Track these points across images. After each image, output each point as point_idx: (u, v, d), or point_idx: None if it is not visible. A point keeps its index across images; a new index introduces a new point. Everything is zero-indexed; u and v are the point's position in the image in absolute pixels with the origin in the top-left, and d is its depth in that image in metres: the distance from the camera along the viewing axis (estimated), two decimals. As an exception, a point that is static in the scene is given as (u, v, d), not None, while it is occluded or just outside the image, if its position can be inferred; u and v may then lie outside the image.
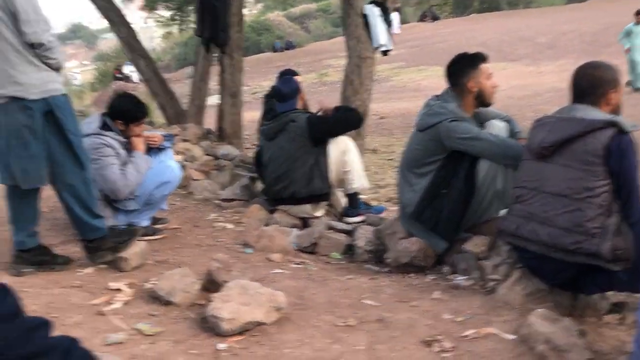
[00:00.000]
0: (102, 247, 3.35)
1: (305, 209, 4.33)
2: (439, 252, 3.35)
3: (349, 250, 3.84)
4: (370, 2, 7.30)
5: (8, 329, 0.92)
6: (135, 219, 4.05)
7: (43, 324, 1.01)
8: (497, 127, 3.43)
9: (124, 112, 3.89)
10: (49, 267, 3.30)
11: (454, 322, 2.60)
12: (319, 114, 4.48)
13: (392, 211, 4.94)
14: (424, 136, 3.37)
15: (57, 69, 3.17)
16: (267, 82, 19.18)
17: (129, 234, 3.49)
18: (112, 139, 3.82)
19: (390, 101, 15.70)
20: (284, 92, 4.46)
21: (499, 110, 3.76)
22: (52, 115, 3.10)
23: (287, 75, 4.87)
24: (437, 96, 3.51)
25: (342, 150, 4.34)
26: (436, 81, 15.91)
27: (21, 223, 3.26)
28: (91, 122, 3.93)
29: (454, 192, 3.25)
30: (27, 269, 3.22)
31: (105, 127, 3.86)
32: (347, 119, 4.46)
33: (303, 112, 4.41)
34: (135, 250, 3.44)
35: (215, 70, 9.42)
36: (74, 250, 3.51)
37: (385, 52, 6.61)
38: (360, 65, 7.32)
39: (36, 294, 2.87)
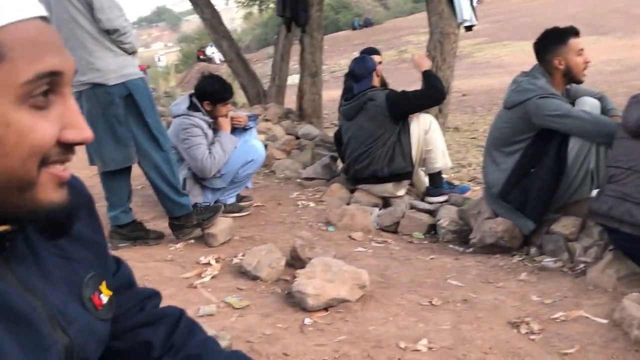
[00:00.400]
0: (187, 224, 3.49)
1: (387, 188, 4.31)
2: (526, 233, 3.26)
3: (432, 230, 3.82)
4: (453, -24, 7.11)
5: (125, 299, 0.99)
6: (221, 197, 4.20)
7: (154, 295, 1.07)
8: (589, 104, 3.27)
9: (211, 93, 3.99)
10: (143, 242, 3.47)
11: (542, 304, 2.54)
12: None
13: (475, 191, 4.86)
14: (512, 114, 3.27)
15: (132, 52, 3.28)
16: (345, 61, 19.13)
17: (212, 210, 3.59)
18: (199, 119, 3.95)
19: (472, 78, 15.29)
20: (357, 73, 4.42)
21: (591, 87, 3.59)
22: (131, 99, 3.23)
23: (363, 54, 4.84)
24: (525, 72, 3.39)
25: (425, 129, 4.28)
26: (521, 57, 15.37)
27: (115, 200, 3.44)
28: (180, 104, 4.08)
29: (544, 171, 3.15)
30: (123, 244, 3.40)
31: (193, 107, 3.99)
32: (428, 94, 4.32)
33: (381, 90, 4.35)
34: (222, 226, 3.56)
35: (295, 50, 9.51)
36: (165, 225, 3.66)
37: (468, 28, 6.42)
38: (442, 41, 7.17)
39: (132, 268, 3.03)
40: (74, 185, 0.91)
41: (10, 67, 0.63)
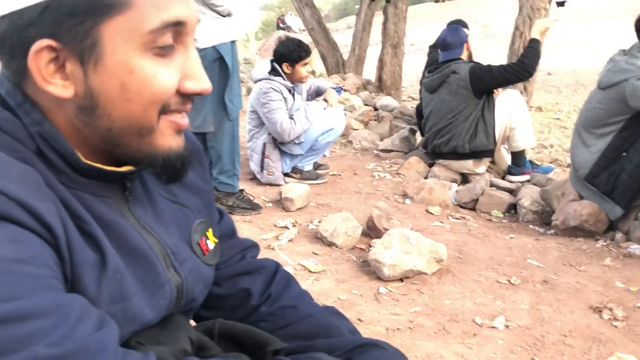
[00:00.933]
0: (222, 201, 3.41)
1: (467, 165, 4.22)
2: (612, 218, 3.13)
3: (512, 209, 3.72)
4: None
5: (226, 247, 1.02)
6: (299, 164, 4.24)
7: (254, 245, 1.11)
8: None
9: (288, 53, 4.01)
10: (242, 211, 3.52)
11: (627, 292, 2.45)
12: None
13: (558, 173, 4.70)
14: (607, 94, 3.11)
15: (226, 15, 3.23)
16: (425, 34, 18.73)
17: (250, 206, 3.55)
18: (280, 84, 3.98)
19: (559, 56, 14.65)
20: (449, 41, 4.26)
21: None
22: (221, 62, 3.23)
23: (457, 25, 4.69)
24: (624, 51, 3.21)
25: (510, 105, 4.13)
26: (613, 36, 14.55)
27: None
28: (261, 68, 4.12)
29: (636, 156, 3.00)
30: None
31: (274, 72, 4.02)
32: (515, 70, 4.10)
33: (465, 62, 4.20)
34: (299, 192, 3.61)
35: (376, 20, 9.39)
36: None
37: (560, 4, 6.14)
38: (532, 16, 6.92)
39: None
40: (186, 135, 0.94)
41: (136, 14, 0.65)
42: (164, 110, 0.70)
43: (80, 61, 0.66)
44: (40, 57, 0.65)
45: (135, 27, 0.65)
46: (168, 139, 0.73)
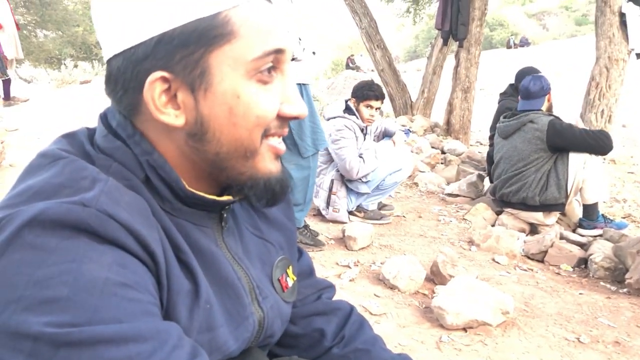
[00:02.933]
0: None
1: (536, 215, 4.11)
2: (693, 281, 2.96)
3: (582, 264, 3.58)
4: (630, 0, 6.69)
5: (304, 285, 1.03)
6: (363, 202, 4.24)
7: (331, 286, 1.11)
8: None
9: (357, 89, 4.10)
10: (306, 246, 3.55)
11: None
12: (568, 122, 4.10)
13: (631, 229, 4.51)
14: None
15: (292, 59, 3.32)
16: (496, 79, 18.56)
17: (313, 242, 3.56)
18: (353, 122, 4.03)
19: (635, 109, 14.20)
20: (532, 90, 4.15)
21: None
22: (303, 98, 3.32)
23: (534, 74, 4.60)
24: None
25: (585, 158, 4.00)
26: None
27: None
28: (335, 107, 4.19)
29: None
30: None
31: (348, 111, 4.08)
32: (595, 140, 3.93)
33: (545, 115, 4.10)
34: (363, 231, 3.60)
35: (445, 63, 9.39)
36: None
37: (640, 55, 5.99)
38: (609, 67, 6.78)
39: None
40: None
41: (241, 44, 0.69)
42: (265, 133, 0.74)
43: (191, 90, 0.70)
44: (154, 89, 0.69)
45: (241, 55, 0.69)
46: (268, 163, 0.77)
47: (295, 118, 0.76)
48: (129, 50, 0.69)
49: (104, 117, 0.77)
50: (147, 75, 0.69)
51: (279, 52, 0.72)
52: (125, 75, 0.70)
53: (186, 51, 0.68)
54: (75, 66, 15.57)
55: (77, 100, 8.53)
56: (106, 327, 0.54)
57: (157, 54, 0.68)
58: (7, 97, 8.85)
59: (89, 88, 10.87)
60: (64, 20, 19.77)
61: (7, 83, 8.77)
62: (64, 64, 15.23)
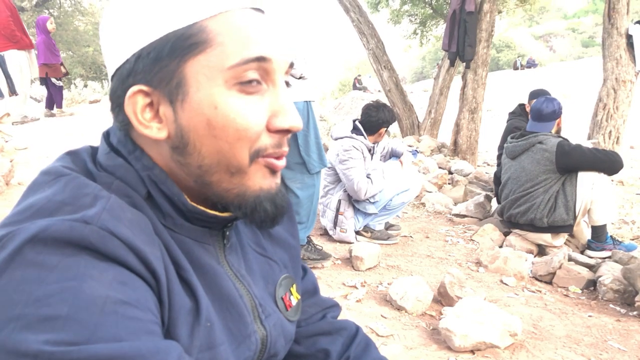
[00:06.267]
0: None
1: (544, 237, 4.07)
2: None
3: (591, 286, 3.54)
4: (637, 22, 6.72)
5: (308, 304, 1.02)
6: (370, 222, 4.23)
7: (335, 305, 1.10)
8: None
9: (391, 120, 4.11)
10: (312, 261, 3.55)
11: None
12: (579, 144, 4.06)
13: (641, 251, 4.46)
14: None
15: (298, 78, 3.27)
16: (503, 101, 18.59)
17: (320, 256, 3.57)
18: (362, 143, 4.03)
19: (642, 130, 14.14)
20: (544, 112, 4.12)
21: None
22: (308, 116, 3.33)
23: (546, 95, 4.59)
24: None
25: (594, 180, 3.97)
26: None
27: None
28: (344, 126, 4.19)
29: None
30: None
31: (355, 131, 4.08)
32: (606, 155, 3.91)
33: (554, 136, 4.06)
34: (370, 251, 3.58)
35: (452, 84, 9.41)
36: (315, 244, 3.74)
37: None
38: (617, 89, 6.79)
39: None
40: None
41: (218, 52, 0.68)
42: (259, 154, 0.72)
43: (170, 101, 0.70)
44: (135, 103, 0.70)
45: (217, 64, 0.68)
46: (259, 179, 0.74)
47: (287, 131, 0.73)
48: (119, 70, 0.71)
49: (106, 136, 0.78)
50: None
51: (262, 60, 0.70)
52: (117, 93, 0.72)
53: (162, 63, 0.69)
54: (85, 85, 15.71)
55: (87, 119, 8.60)
56: (106, 346, 0.54)
57: (137, 69, 0.69)
58: (59, 105, 9.01)
59: (98, 107, 10.95)
60: (75, 41, 20.04)
61: (59, 92, 8.94)
62: (74, 83, 15.37)
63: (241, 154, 0.71)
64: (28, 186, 0.70)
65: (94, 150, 0.77)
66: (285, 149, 0.75)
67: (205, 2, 0.69)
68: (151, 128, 0.71)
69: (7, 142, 6.08)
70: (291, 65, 0.76)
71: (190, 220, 0.75)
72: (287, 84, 0.78)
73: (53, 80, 8.59)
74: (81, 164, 0.73)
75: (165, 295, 0.65)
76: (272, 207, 0.75)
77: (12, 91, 6.72)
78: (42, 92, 12.58)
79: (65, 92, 11.13)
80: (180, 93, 0.69)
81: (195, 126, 0.69)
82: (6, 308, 0.54)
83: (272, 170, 0.75)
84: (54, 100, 9.01)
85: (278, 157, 0.75)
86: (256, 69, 0.70)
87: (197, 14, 0.68)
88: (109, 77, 0.75)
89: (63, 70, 8.78)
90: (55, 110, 9.03)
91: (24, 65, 7.70)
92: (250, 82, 0.70)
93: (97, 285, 0.57)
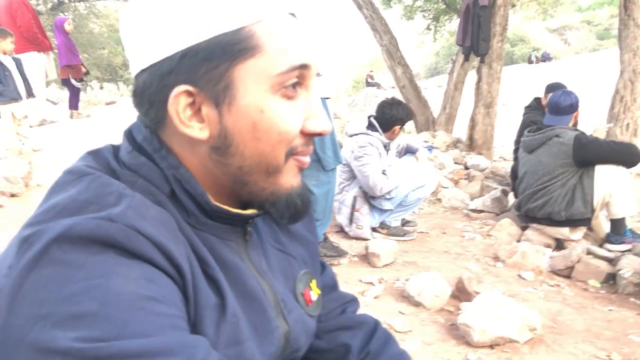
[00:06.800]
0: None
1: (562, 231, 4.04)
2: None
3: (610, 280, 3.51)
4: (654, 11, 6.63)
5: (328, 299, 1.03)
6: (386, 219, 4.22)
7: (354, 300, 1.10)
8: None
9: (405, 117, 4.10)
10: (329, 258, 3.55)
11: None
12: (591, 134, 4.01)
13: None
14: None
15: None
16: (518, 95, 18.45)
17: (337, 252, 3.57)
18: (377, 139, 4.03)
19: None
20: (562, 105, 4.08)
21: None
22: None
23: (563, 89, 4.53)
24: None
25: (611, 171, 3.93)
26: None
27: None
28: (358, 124, 4.19)
29: None
30: None
31: (370, 127, 4.08)
32: (623, 147, 3.90)
33: (571, 129, 4.03)
34: (386, 248, 3.58)
35: (467, 79, 9.36)
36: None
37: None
38: (634, 80, 6.71)
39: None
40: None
41: (266, 58, 0.69)
42: (292, 152, 0.74)
43: (215, 103, 0.70)
44: (178, 102, 0.70)
45: (265, 69, 0.69)
46: (290, 178, 0.77)
47: (319, 134, 0.76)
48: (155, 65, 0.70)
49: (128, 134, 0.78)
50: (171, 89, 0.69)
51: (304, 67, 0.72)
52: (151, 89, 0.71)
53: (210, 65, 0.69)
54: (101, 87, 15.84)
55: (103, 121, 8.67)
56: (134, 342, 0.54)
57: (182, 68, 0.69)
58: (75, 106, 9.11)
59: (114, 109, 11.04)
60: (90, 43, 20.22)
61: (76, 94, 9.05)
62: (90, 85, 15.52)
63: (280, 155, 0.73)
64: (51, 186, 0.70)
65: (115, 149, 0.78)
66: (311, 147, 0.78)
67: (252, 6, 0.69)
68: (192, 128, 0.71)
69: (24, 144, 6.16)
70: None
71: (213, 217, 0.76)
72: None
73: (73, 81, 8.67)
74: (104, 163, 0.74)
75: (191, 291, 0.66)
76: (301, 202, 0.78)
77: (30, 93, 6.80)
78: (58, 94, 12.72)
79: (81, 94, 11.24)
80: (227, 96, 0.70)
81: (240, 129, 0.70)
82: (35, 306, 0.55)
83: (300, 168, 0.78)
84: (71, 100, 9.10)
85: (306, 155, 0.77)
86: (297, 75, 0.72)
87: (246, 18, 0.69)
88: (134, 72, 0.74)
89: (84, 69, 8.87)
90: (72, 111, 9.11)
91: (42, 67, 7.80)
92: (292, 87, 0.72)
93: (125, 282, 0.57)
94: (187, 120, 0.71)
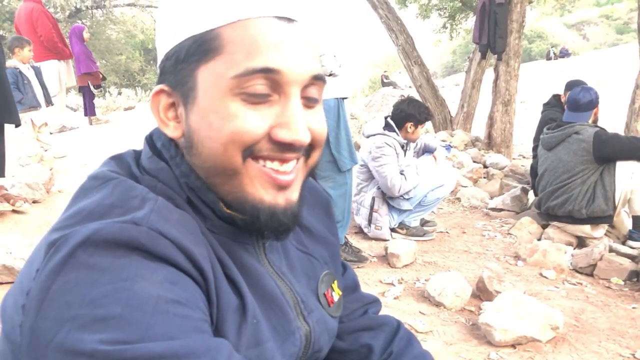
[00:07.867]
0: None
1: (583, 228, 4.00)
2: None
3: (634, 277, 3.46)
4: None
5: (349, 300, 1.03)
6: (405, 219, 4.21)
7: (376, 301, 1.11)
8: None
9: (417, 114, 4.08)
10: (349, 263, 3.56)
11: None
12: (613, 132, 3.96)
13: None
14: None
15: (329, 75, 3.24)
16: (537, 92, 18.27)
17: (357, 258, 3.57)
18: (394, 139, 4.02)
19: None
20: (581, 102, 4.04)
21: None
22: (338, 113, 3.32)
23: (583, 85, 4.48)
24: None
25: (632, 169, 3.88)
26: None
27: None
28: (375, 124, 4.19)
29: None
30: None
31: (388, 128, 4.08)
32: None
33: (591, 126, 3.99)
34: (406, 248, 3.57)
35: (485, 77, 9.29)
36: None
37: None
38: (655, 74, 6.61)
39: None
40: (315, 188, 0.97)
41: (224, 60, 0.69)
42: (252, 153, 0.70)
43: (184, 103, 0.73)
44: (159, 101, 0.74)
45: (223, 72, 0.69)
46: (260, 190, 0.72)
47: (290, 144, 0.71)
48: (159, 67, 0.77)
49: (149, 139, 0.80)
50: None
51: (268, 71, 0.68)
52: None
53: (181, 66, 0.72)
54: (119, 93, 16.00)
55: (122, 126, 8.76)
56: (158, 344, 0.55)
57: (165, 71, 0.74)
58: (92, 112, 9.24)
59: (132, 114, 11.14)
60: (107, 50, 20.43)
61: (92, 101, 9.17)
62: (109, 91, 15.69)
63: (234, 155, 0.70)
64: (76, 191, 0.72)
65: (137, 154, 0.80)
66: (287, 156, 0.73)
67: (223, 9, 0.69)
68: (168, 126, 0.75)
69: (46, 151, 6.24)
70: (315, 78, 0.73)
71: (228, 222, 0.77)
72: None
73: (92, 88, 8.78)
74: (126, 168, 0.76)
75: (214, 293, 0.67)
76: (270, 220, 0.73)
77: (48, 101, 6.90)
78: (77, 101, 12.87)
79: (100, 100, 11.36)
80: (191, 96, 0.71)
81: (199, 128, 0.71)
82: (62, 309, 0.56)
83: (274, 184, 0.73)
84: (88, 107, 9.21)
85: (278, 161, 0.73)
86: (264, 80, 0.69)
87: (215, 20, 0.69)
88: None
89: (101, 76, 9.00)
90: (91, 117, 9.21)
91: (62, 75, 7.90)
92: (255, 95, 0.69)
93: (149, 285, 0.58)
94: (167, 119, 0.75)
